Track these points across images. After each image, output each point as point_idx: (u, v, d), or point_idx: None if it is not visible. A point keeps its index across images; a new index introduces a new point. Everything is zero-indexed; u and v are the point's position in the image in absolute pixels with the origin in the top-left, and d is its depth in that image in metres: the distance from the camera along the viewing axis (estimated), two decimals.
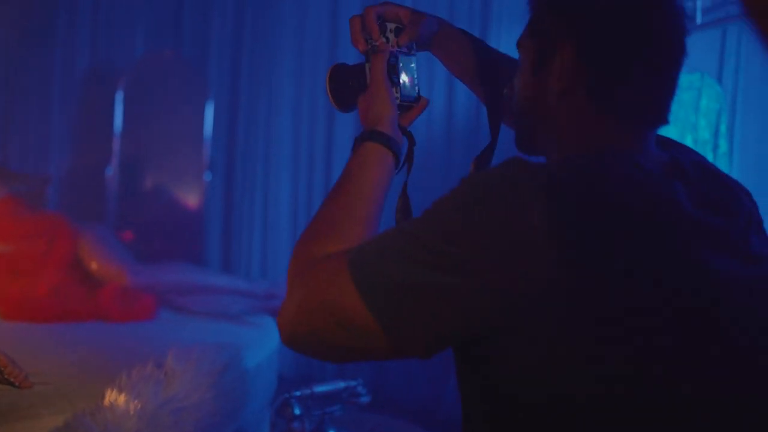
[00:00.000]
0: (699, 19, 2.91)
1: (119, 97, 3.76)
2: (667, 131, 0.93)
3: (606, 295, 0.72)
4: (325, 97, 3.54)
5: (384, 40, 1.08)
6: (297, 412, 2.03)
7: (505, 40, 3.58)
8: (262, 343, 2.43)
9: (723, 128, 2.81)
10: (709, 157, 2.58)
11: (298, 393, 2.06)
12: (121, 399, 1.68)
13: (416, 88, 1.11)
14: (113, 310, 2.56)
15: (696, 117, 2.86)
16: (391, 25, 1.10)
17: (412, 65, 1.11)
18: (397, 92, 1.08)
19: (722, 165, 2.74)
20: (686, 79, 2.93)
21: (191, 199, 3.90)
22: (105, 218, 3.77)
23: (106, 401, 1.70)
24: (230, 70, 3.99)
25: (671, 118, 0.88)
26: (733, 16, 2.78)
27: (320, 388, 2.10)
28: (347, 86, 1.12)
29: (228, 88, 3.99)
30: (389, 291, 0.75)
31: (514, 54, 1.02)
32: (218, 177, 3.97)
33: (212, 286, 2.83)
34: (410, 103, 1.11)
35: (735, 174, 2.70)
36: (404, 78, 1.09)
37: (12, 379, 1.74)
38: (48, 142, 3.88)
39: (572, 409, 0.73)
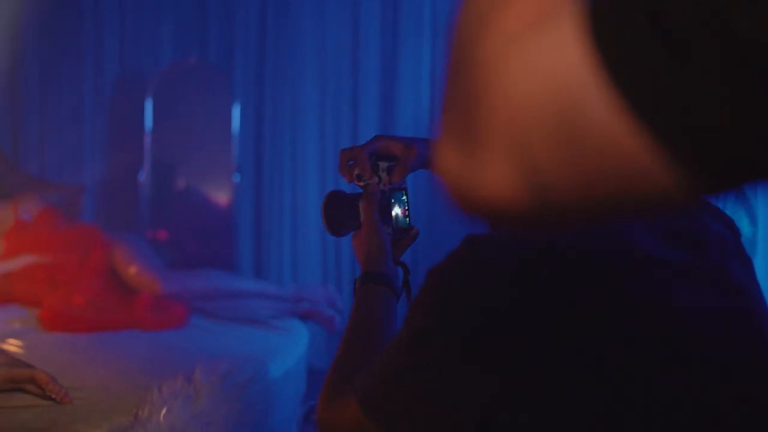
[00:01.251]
0: None
1: (149, 104, 3.85)
2: None
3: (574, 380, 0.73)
4: (349, 95, 3.62)
5: (377, 179, 1.15)
6: None
7: None
8: (290, 349, 2.51)
9: None
10: None
11: None
12: (153, 414, 1.77)
13: (407, 218, 1.19)
14: (147, 319, 2.66)
15: None
16: (383, 164, 1.16)
17: (403, 197, 1.19)
18: (389, 228, 1.15)
19: None
20: None
21: (221, 201, 3.99)
22: (139, 223, 3.88)
23: (139, 417, 1.79)
24: (255, 72, 4.05)
25: None
26: None
27: None
28: (341, 215, 1.19)
29: (253, 90, 4.06)
30: (397, 413, 0.81)
31: None
32: (247, 179, 4.05)
33: (240, 291, 2.91)
34: (402, 233, 1.18)
35: None
36: (396, 212, 1.17)
37: (54, 396, 1.83)
38: (81, 152, 4.00)
39: None
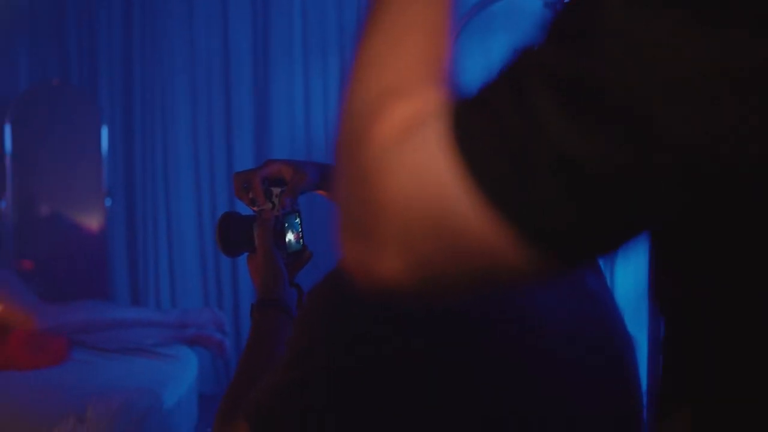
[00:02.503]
0: None
1: (7, 129, 3.66)
2: None
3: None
4: (222, 114, 3.59)
5: (270, 205, 1.19)
6: None
7: None
8: (181, 377, 2.47)
9: None
10: None
11: None
12: None
13: (301, 241, 1.24)
14: (23, 357, 2.53)
15: None
16: (276, 190, 1.20)
17: (296, 221, 1.24)
18: (283, 253, 1.19)
19: None
20: None
21: (92, 226, 3.84)
22: (3, 254, 3.67)
23: None
24: (121, 94, 3.94)
25: None
26: None
27: None
28: (236, 237, 1.22)
29: (120, 111, 3.94)
30: (276, 424, 0.83)
31: None
32: (118, 203, 3.93)
33: (123, 321, 2.83)
34: (297, 256, 1.23)
35: None
36: (290, 237, 1.22)
37: None
38: None
39: None
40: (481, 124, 0.40)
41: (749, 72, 0.36)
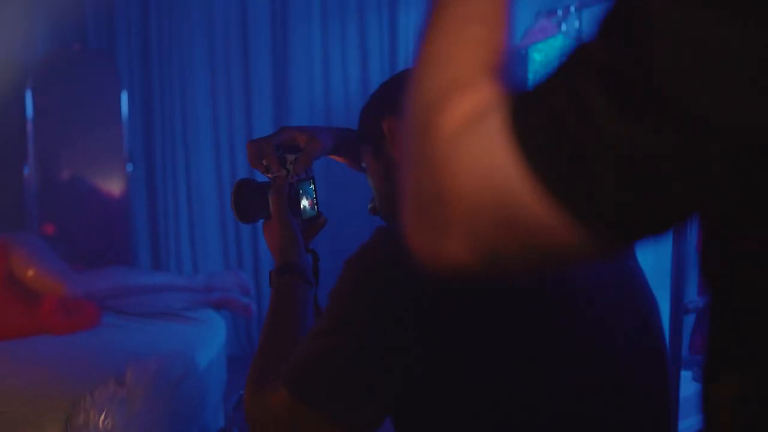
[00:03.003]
0: None
1: (28, 95, 3.67)
2: None
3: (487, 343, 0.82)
4: (242, 78, 3.60)
5: (284, 172, 1.20)
6: None
7: (414, 19, 3.69)
8: (211, 340, 2.52)
9: None
10: None
11: None
12: (90, 421, 1.76)
13: (315, 207, 1.25)
14: (55, 322, 2.59)
15: None
16: (290, 157, 1.21)
17: (311, 186, 1.25)
18: (298, 219, 1.21)
19: None
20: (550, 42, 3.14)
21: (115, 192, 3.88)
22: (27, 220, 3.71)
23: (74, 425, 1.78)
24: (140, 59, 3.94)
25: None
26: None
27: None
28: (251, 204, 1.24)
29: (139, 77, 3.95)
30: (326, 391, 0.85)
31: None
32: (139, 168, 3.95)
33: (150, 286, 2.88)
34: (311, 222, 1.24)
35: None
36: (304, 203, 1.23)
37: None
38: None
39: None
40: (539, 116, 0.43)
41: None
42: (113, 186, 3.88)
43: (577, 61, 0.43)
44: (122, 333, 2.57)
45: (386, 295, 0.83)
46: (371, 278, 0.85)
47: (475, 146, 0.45)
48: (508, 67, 0.50)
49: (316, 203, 1.26)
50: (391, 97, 1.10)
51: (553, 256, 0.46)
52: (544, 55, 3.04)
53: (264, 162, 1.21)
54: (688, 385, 2.67)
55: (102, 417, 1.74)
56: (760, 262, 0.48)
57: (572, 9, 3.12)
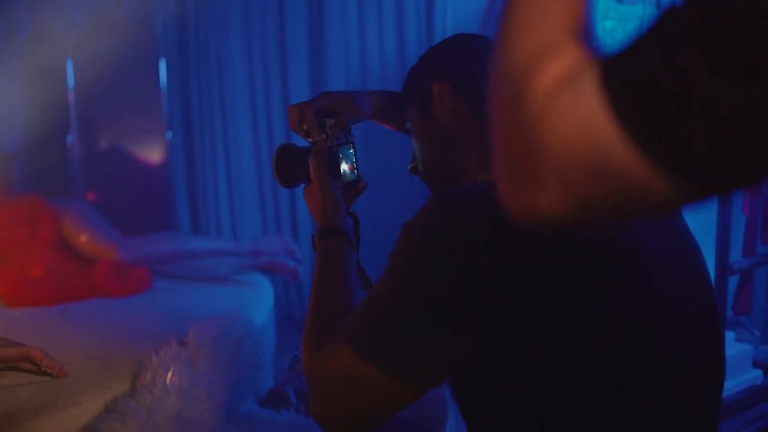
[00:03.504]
0: None
1: (69, 64, 3.72)
2: None
3: (551, 292, 0.84)
4: (277, 45, 3.59)
5: (324, 136, 1.22)
6: None
7: (451, 11, 3.67)
8: (261, 302, 2.58)
9: None
10: None
11: None
12: (157, 379, 1.83)
13: (355, 171, 1.27)
14: (110, 285, 2.66)
15: None
16: (330, 121, 1.22)
17: (350, 151, 1.27)
18: (338, 183, 1.23)
19: None
20: (629, 10, 3.11)
21: (155, 159, 3.94)
22: (71, 188, 3.79)
23: (141, 383, 1.85)
24: (176, 26, 3.96)
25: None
26: None
27: None
28: (292, 169, 1.26)
29: (176, 44, 3.97)
30: (390, 349, 0.88)
31: None
32: (177, 135, 4.00)
33: (199, 251, 2.94)
34: (351, 186, 1.26)
35: None
36: (344, 167, 1.25)
37: (50, 371, 1.86)
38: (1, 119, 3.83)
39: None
40: (633, 74, 0.46)
41: None
42: (153, 153, 3.94)
43: (669, 20, 0.46)
44: (176, 296, 2.64)
45: (452, 254, 0.85)
46: (435, 239, 0.87)
47: (569, 105, 0.48)
48: (592, 30, 0.53)
49: (356, 167, 1.28)
50: (442, 61, 1.13)
51: (644, 205, 0.49)
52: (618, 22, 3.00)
53: (304, 126, 1.23)
54: (732, 346, 2.70)
55: (169, 375, 1.80)
56: None
57: None
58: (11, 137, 3.80)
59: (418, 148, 1.16)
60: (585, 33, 0.52)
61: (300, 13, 3.91)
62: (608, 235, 0.88)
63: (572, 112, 0.48)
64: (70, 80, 3.73)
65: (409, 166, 1.21)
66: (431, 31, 3.73)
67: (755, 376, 2.70)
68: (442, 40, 1.19)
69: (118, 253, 2.80)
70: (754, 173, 0.47)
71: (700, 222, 2.95)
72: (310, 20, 3.91)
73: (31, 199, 2.92)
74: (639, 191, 0.48)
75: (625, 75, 0.46)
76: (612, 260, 0.89)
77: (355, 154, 1.29)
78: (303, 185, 1.27)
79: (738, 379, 2.63)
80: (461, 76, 1.09)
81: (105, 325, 2.34)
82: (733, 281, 2.96)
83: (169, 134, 3.89)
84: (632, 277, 0.89)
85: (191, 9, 3.92)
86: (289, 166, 1.26)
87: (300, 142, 1.30)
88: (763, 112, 0.44)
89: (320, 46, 3.90)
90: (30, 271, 2.69)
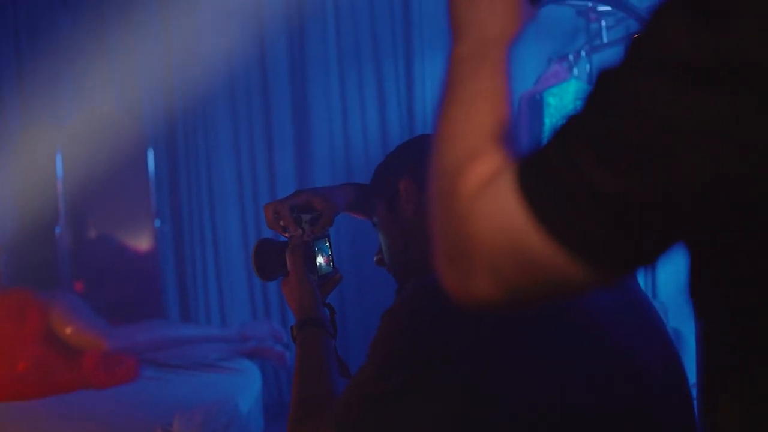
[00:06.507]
0: (605, 38, 3.20)
1: (59, 158, 3.79)
2: None
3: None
4: (264, 133, 3.67)
5: (300, 231, 1.28)
6: None
7: (429, 66, 3.81)
8: (249, 388, 2.58)
9: None
10: None
11: None
12: None
13: (331, 264, 1.33)
14: (97, 376, 2.65)
15: None
16: (306, 216, 1.29)
17: (326, 245, 1.33)
18: (315, 274, 1.29)
19: None
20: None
21: (144, 248, 3.97)
22: (59, 278, 3.80)
23: None
24: (164, 118, 4.05)
25: None
26: (633, 32, 3.07)
27: None
28: (270, 262, 1.32)
29: (164, 134, 4.06)
30: (372, 431, 0.93)
31: None
32: (166, 223, 4.04)
33: (187, 338, 2.94)
34: (327, 278, 1.32)
35: None
36: (320, 260, 1.31)
37: None
38: None
39: None
40: (540, 175, 0.54)
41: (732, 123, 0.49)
42: (142, 241, 3.98)
43: (567, 128, 0.55)
44: (163, 384, 2.63)
45: (431, 337, 0.91)
46: (415, 326, 0.93)
47: (490, 202, 0.56)
48: (513, 133, 0.62)
49: (332, 260, 1.34)
50: (408, 159, 1.21)
51: (562, 287, 0.57)
52: (558, 99, 3.13)
53: (281, 223, 1.29)
54: None
55: None
56: (754, 289, 0.56)
57: (583, 53, 3.22)
58: (0, 230, 3.84)
59: (384, 241, 1.23)
60: (505, 137, 0.60)
61: (285, 105, 4.02)
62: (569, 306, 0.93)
63: (493, 209, 0.55)
64: (59, 171, 3.80)
65: (375, 258, 1.27)
66: (412, 119, 3.86)
67: None
68: (408, 140, 1.27)
69: (107, 342, 2.80)
70: (649, 253, 0.54)
71: (677, 281, 3.00)
72: (295, 108, 4.03)
73: (18, 293, 2.93)
74: (556, 275, 0.55)
75: (533, 173, 0.54)
76: (574, 330, 0.94)
77: (330, 248, 1.34)
78: (281, 278, 1.32)
79: None
80: (425, 174, 1.15)
81: (92, 416, 2.33)
82: None
83: (158, 222, 3.93)
84: (594, 341, 0.94)
85: (179, 101, 4.03)
86: (267, 260, 1.32)
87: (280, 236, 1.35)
88: (642, 199, 0.50)
89: (305, 135, 4.00)
90: (16, 365, 2.68)
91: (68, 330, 2.87)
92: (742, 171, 0.49)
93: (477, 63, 0.64)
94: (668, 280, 3.29)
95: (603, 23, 3.16)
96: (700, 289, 0.62)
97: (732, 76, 0.48)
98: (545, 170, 0.54)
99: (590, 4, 3.07)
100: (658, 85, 0.50)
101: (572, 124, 0.55)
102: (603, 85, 0.54)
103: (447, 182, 0.60)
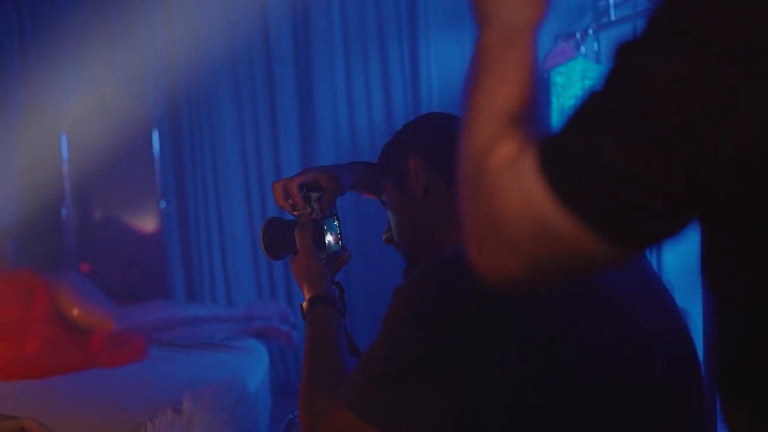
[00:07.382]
0: (612, 16, 3.18)
1: (64, 139, 3.79)
2: None
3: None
4: (268, 114, 3.66)
5: (309, 209, 1.29)
6: None
7: (434, 47, 3.79)
8: (256, 367, 2.59)
9: None
10: None
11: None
12: None
13: (340, 242, 1.33)
14: (106, 356, 2.67)
15: None
16: (314, 195, 1.29)
17: (335, 222, 1.33)
18: (324, 252, 1.29)
19: None
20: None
21: (150, 229, 3.98)
22: (66, 259, 3.81)
23: None
24: (168, 98, 4.04)
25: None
26: (642, 11, 3.06)
27: None
28: (279, 241, 1.32)
29: (168, 116, 4.05)
30: (388, 408, 0.93)
31: None
32: (171, 204, 4.05)
33: (194, 317, 2.96)
34: (336, 256, 1.32)
35: None
36: (329, 238, 1.31)
37: None
38: None
39: None
40: (560, 154, 0.56)
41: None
42: (147, 222, 3.99)
43: (587, 105, 0.57)
44: (171, 363, 2.65)
45: (443, 316, 0.91)
46: (425, 305, 0.93)
47: (514, 180, 0.58)
48: (540, 116, 0.64)
49: (341, 238, 1.34)
50: (417, 138, 1.20)
51: (582, 263, 0.58)
52: (565, 77, 3.12)
53: (290, 201, 1.29)
54: None
55: None
56: (761, 264, 0.57)
57: (590, 31, 3.20)
58: (7, 212, 3.85)
59: (392, 220, 1.23)
60: (532, 119, 0.63)
61: (290, 83, 4.01)
62: (585, 287, 0.93)
63: (516, 186, 0.57)
64: (65, 153, 3.80)
65: (383, 236, 1.27)
66: (417, 100, 3.84)
67: None
68: (416, 118, 1.28)
69: (114, 322, 2.81)
70: (668, 229, 0.56)
71: (684, 261, 2.99)
72: (299, 90, 4.01)
73: (25, 274, 2.94)
74: (576, 251, 0.56)
75: (555, 151, 0.56)
76: (589, 308, 0.94)
77: (339, 226, 1.34)
78: (290, 257, 1.32)
79: None
80: (434, 153, 1.16)
81: (101, 395, 2.35)
82: None
83: (163, 203, 3.94)
84: (608, 319, 0.94)
85: (183, 82, 4.02)
86: (275, 238, 1.32)
87: (288, 215, 1.35)
88: (664, 175, 0.52)
89: (310, 114, 3.99)
90: (25, 346, 2.70)
91: (75, 311, 2.88)
92: (763, 146, 0.50)
93: (504, 50, 0.66)
94: (675, 259, 3.29)
95: (610, 1, 3.14)
96: (715, 265, 0.62)
97: (752, 52, 0.49)
98: (566, 148, 0.55)
99: None
100: (680, 62, 0.51)
101: (592, 102, 0.56)
102: (622, 62, 0.55)
103: (475, 163, 0.62)
